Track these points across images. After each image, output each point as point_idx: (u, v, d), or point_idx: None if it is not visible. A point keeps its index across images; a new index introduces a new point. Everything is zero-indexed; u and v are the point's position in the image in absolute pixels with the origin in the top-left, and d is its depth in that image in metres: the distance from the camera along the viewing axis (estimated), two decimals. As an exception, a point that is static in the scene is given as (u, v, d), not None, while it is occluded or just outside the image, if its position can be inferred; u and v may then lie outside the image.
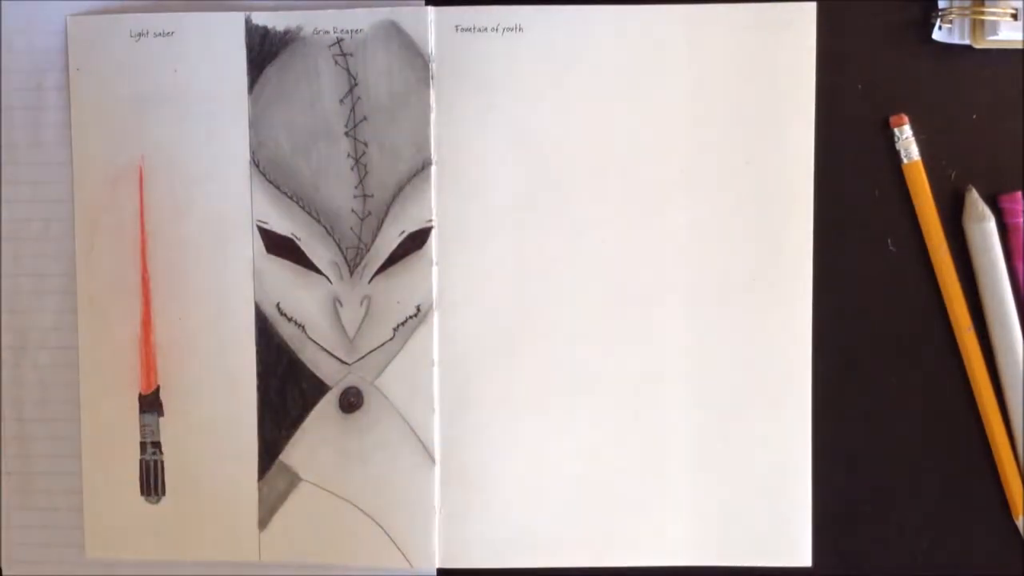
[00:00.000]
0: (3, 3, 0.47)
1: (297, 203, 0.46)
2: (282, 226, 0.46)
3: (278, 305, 0.46)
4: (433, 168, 0.46)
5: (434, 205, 0.46)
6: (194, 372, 0.47)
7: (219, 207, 0.46)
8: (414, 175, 0.46)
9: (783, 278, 0.45)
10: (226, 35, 0.46)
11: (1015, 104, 0.46)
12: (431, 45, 0.45)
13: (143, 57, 0.46)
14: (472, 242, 0.46)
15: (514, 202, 0.46)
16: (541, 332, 0.46)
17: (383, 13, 0.45)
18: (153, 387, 0.47)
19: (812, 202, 0.46)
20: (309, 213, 0.46)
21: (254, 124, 0.46)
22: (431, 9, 0.45)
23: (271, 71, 0.46)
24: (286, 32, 0.46)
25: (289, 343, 0.46)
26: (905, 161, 0.46)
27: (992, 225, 0.45)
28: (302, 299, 0.46)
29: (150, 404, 0.47)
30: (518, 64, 0.45)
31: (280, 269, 0.46)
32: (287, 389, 0.47)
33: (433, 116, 0.46)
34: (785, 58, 0.45)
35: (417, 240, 0.46)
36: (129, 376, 0.47)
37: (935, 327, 0.46)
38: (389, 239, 0.46)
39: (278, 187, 0.46)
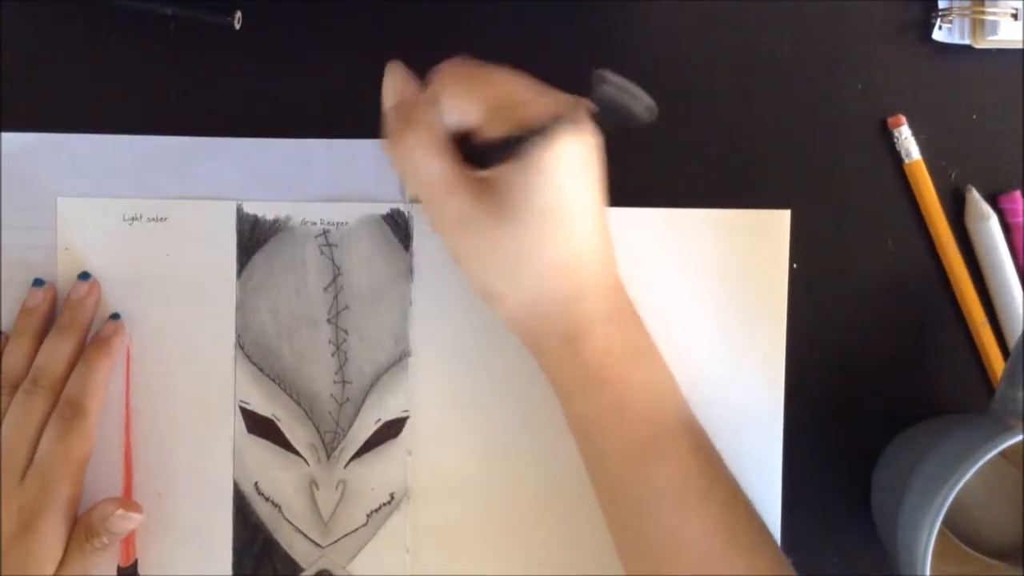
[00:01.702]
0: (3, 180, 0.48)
1: (279, 385, 0.47)
2: (263, 407, 0.47)
3: (256, 484, 0.47)
4: (411, 359, 0.47)
5: (411, 396, 0.47)
6: (172, 547, 0.47)
7: (203, 387, 0.47)
8: (392, 365, 0.47)
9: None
10: (218, 222, 0.47)
11: (1015, 104, 0.46)
12: (412, 240, 0.47)
13: (135, 240, 0.47)
14: (447, 431, 0.47)
15: (490, 395, 0.47)
16: (510, 517, 0.46)
17: (368, 208, 0.47)
18: (131, 560, 0.48)
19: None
20: (290, 396, 0.47)
21: (240, 307, 0.47)
22: (413, 206, 0.47)
23: (259, 258, 0.47)
24: (275, 221, 0.47)
25: (265, 522, 0.47)
26: (906, 160, 0.46)
27: (995, 223, 0.46)
28: (280, 479, 0.47)
29: (127, 576, 0.48)
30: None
31: (260, 449, 0.47)
32: (261, 568, 0.47)
33: (412, 309, 0.47)
34: (760, 263, 0.46)
35: (393, 429, 0.47)
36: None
37: (942, 325, 0.47)
38: (365, 426, 0.47)
39: (261, 369, 0.47)
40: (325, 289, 0.47)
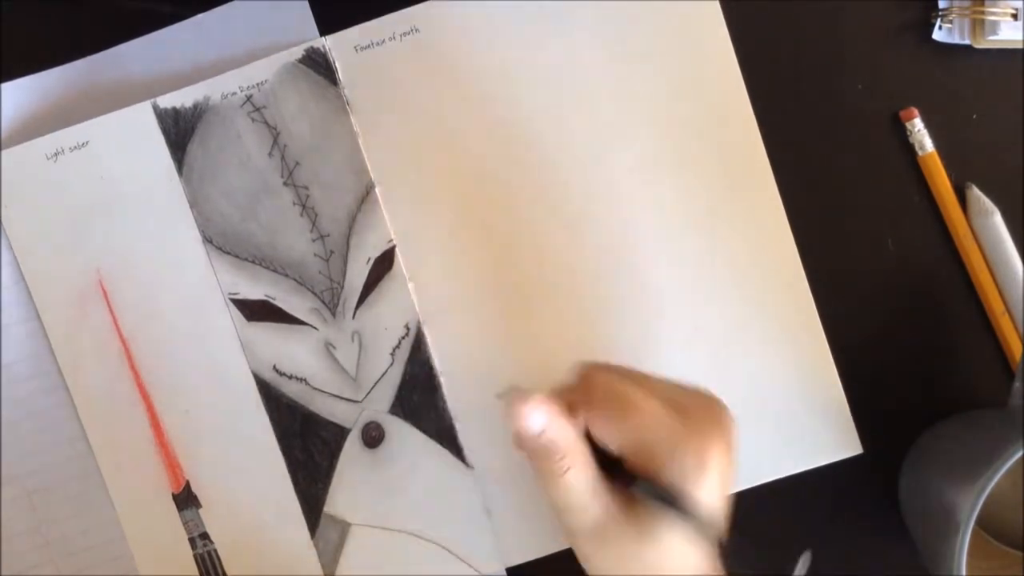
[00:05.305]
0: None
1: (260, 265, 0.46)
2: (254, 291, 0.46)
3: (275, 367, 0.47)
4: (378, 189, 0.46)
5: (390, 224, 0.46)
6: (217, 456, 0.47)
7: (188, 293, 0.46)
8: (362, 202, 0.46)
9: (752, 197, 0.46)
10: (139, 127, 0.46)
11: (1015, 104, 0.46)
12: (338, 72, 0.45)
13: (66, 174, 0.46)
14: (437, 247, 0.46)
15: (465, 196, 0.46)
16: (530, 313, 0.46)
17: (282, 57, 0.45)
18: (183, 483, 0.47)
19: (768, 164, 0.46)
20: (275, 271, 0.46)
21: (194, 203, 0.46)
22: (327, 38, 0.45)
23: (193, 148, 0.46)
24: (195, 106, 0.46)
25: (298, 400, 0.47)
26: (920, 153, 0.46)
27: (998, 218, 0.45)
28: (296, 354, 0.47)
29: (185, 500, 0.47)
30: (426, 64, 0.45)
31: (266, 333, 0.47)
32: (310, 444, 0.47)
33: (361, 140, 0.46)
34: (696, 21, 0.45)
35: (385, 263, 0.46)
36: (157, 481, 0.47)
37: (959, 318, 0.46)
38: (358, 271, 0.46)
39: (237, 256, 0.46)
40: (270, 154, 0.46)
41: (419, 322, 0.46)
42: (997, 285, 0.46)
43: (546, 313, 0.46)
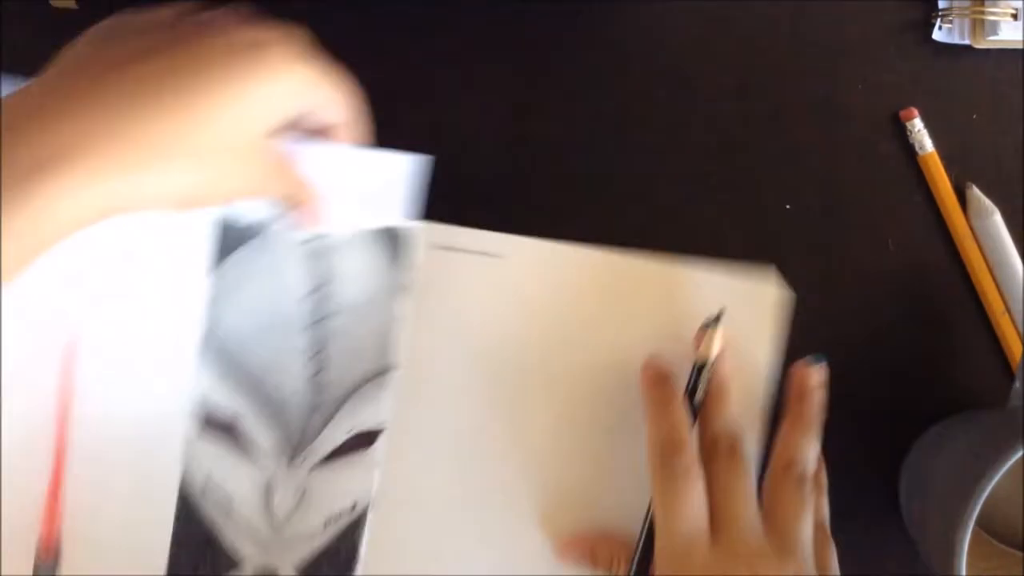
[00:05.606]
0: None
1: (245, 384, 0.45)
2: (226, 403, 0.45)
3: (209, 474, 0.45)
4: (394, 373, 0.46)
5: (390, 410, 0.46)
6: (103, 533, 0.45)
7: (160, 384, 0.45)
8: (374, 377, 0.46)
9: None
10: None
11: (1015, 104, 0.47)
12: (409, 258, 0.46)
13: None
14: (426, 449, 0.46)
15: (467, 420, 0.46)
16: (473, 545, 0.46)
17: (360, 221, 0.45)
18: (52, 552, 0.45)
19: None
20: (256, 396, 0.46)
21: (213, 303, 0.45)
22: (419, 224, 0.45)
23: (234, 258, 0.45)
24: (249, 226, 0.45)
25: (212, 518, 0.45)
26: (920, 153, 0.46)
27: (999, 218, 0.46)
28: (234, 475, 0.46)
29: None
30: (495, 289, 0.46)
31: (216, 448, 0.45)
32: (198, 563, 0.46)
33: (403, 324, 0.46)
34: (748, 316, 0.45)
35: (365, 440, 0.46)
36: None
37: (959, 318, 0.47)
38: (336, 434, 0.46)
39: (226, 371, 0.45)
40: (306, 297, 0.45)
41: (367, 507, 0.46)
42: (997, 285, 0.46)
43: (492, 545, 0.46)
